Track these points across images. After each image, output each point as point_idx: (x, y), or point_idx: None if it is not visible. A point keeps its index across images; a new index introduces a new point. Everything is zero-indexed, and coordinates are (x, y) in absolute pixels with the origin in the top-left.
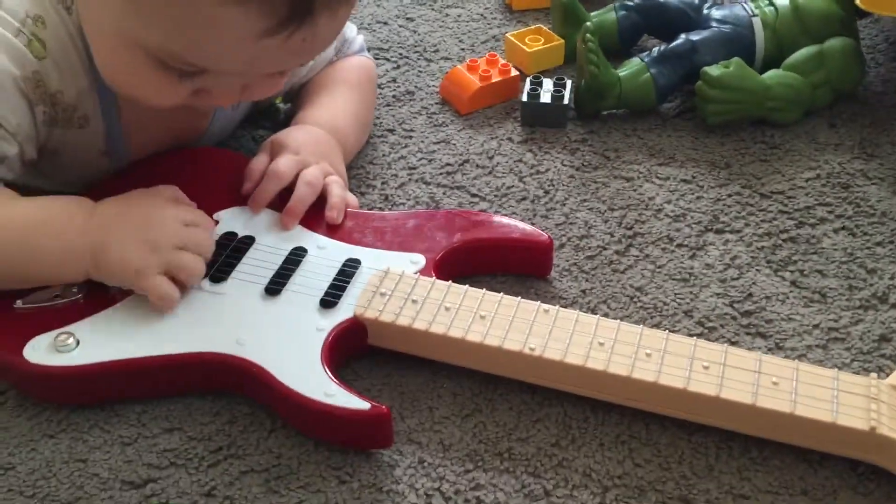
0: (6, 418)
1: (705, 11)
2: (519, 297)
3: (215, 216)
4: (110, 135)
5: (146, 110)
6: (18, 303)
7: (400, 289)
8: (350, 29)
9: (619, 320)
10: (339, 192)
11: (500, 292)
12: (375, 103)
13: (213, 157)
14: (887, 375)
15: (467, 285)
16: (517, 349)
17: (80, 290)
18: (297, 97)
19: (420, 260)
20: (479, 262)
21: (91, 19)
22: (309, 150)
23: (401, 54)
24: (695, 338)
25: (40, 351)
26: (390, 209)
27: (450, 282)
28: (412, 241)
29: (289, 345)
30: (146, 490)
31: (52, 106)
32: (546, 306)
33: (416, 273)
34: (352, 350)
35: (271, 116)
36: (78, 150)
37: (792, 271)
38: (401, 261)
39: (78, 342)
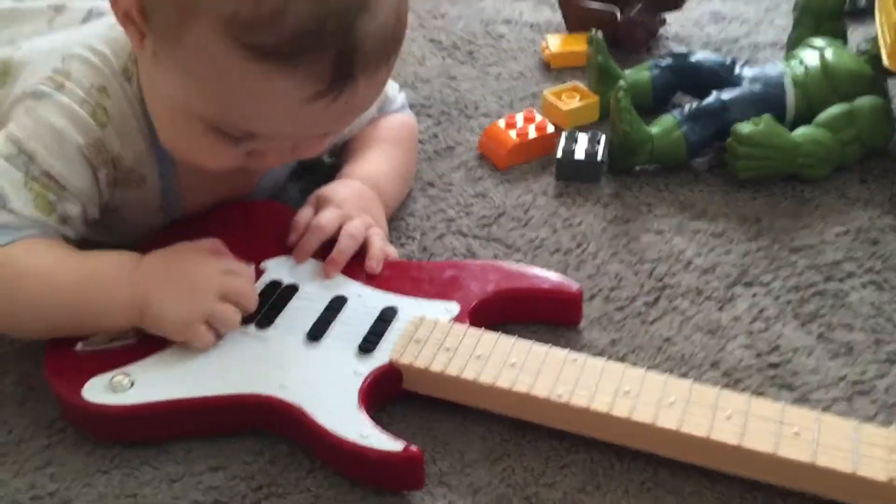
0: (64, 454)
1: (737, 71)
2: (548, 346)
3: (262, 265)
4: (166, 193)
5: (201, 171)
6: (79, 345)
7: (434, 336)
8: (392, 87)
9: (644, 369)
10: (379, 244)
11: (531, 340)
12: (416, 159)
13: (261, 210)
14: None
15: (500, 333)
16: (545, 396)
17: (136, 334)
18: (342, 153)
19: (455, 308)
20: (512, 310)
21: (152, 92)
22: (351, 203)
23: (442, 111)
24: (719, 387)
25: (98, 391)
26: (429, 259)
27: (482, 329)
28: (448, 289)
29: (328, 388)
30: None
31: (113, 169)
32: (574, 354)
33: (450, 321)
34: (388, 394)
35: (317, 170)
36: (136, 207)
37: (819, 325)
38: (436, 309)
39: (133, 383)
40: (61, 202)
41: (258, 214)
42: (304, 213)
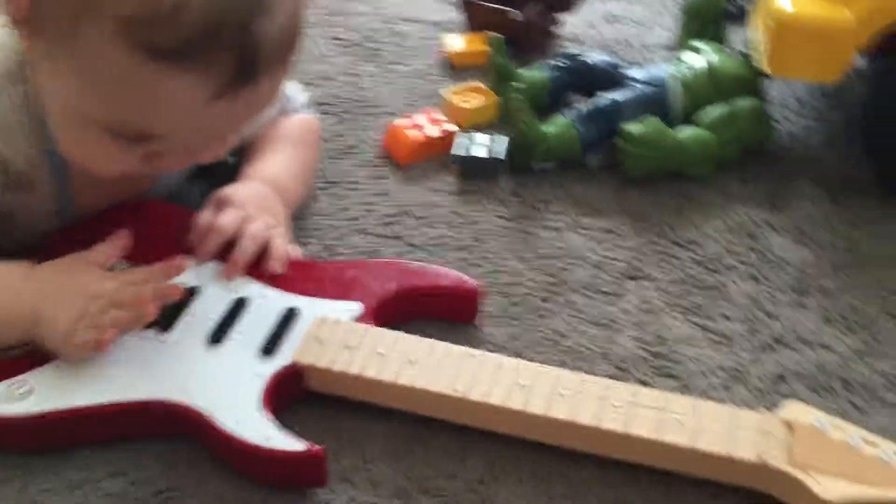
0: None
1: (628, 72)
2: (447, 343)
3: None
4: (60, 197)
5: (96, 173)
6: None
7: (337, 336)
8: (292, 86)
9: (538, 364)
10: (280, 244)
11: (431, 338)
12: (318, 158)
13: (159, 211)
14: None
15: (400, 331)
16: (444, 391)
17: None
18: (243, 154)
19: (356, 308)
20: (413, 308)
21: (47, 95)
22: (252, 204)
23: (345, 109)
24: (607, 379)
25: None
26: (332, 259)
27: (383, 328)
28: (349, 289)
29: (230, 391)
30: None
31: (4, 173)
32: (472, 351)
33: (352, 320)
34: (291, 395)
35: (218, 171)
36: (29, 211)
37: (701, 316)
38: (338, 309)
39: (31, 390)
40: None
41: (156, 217)
42: (205, 215)
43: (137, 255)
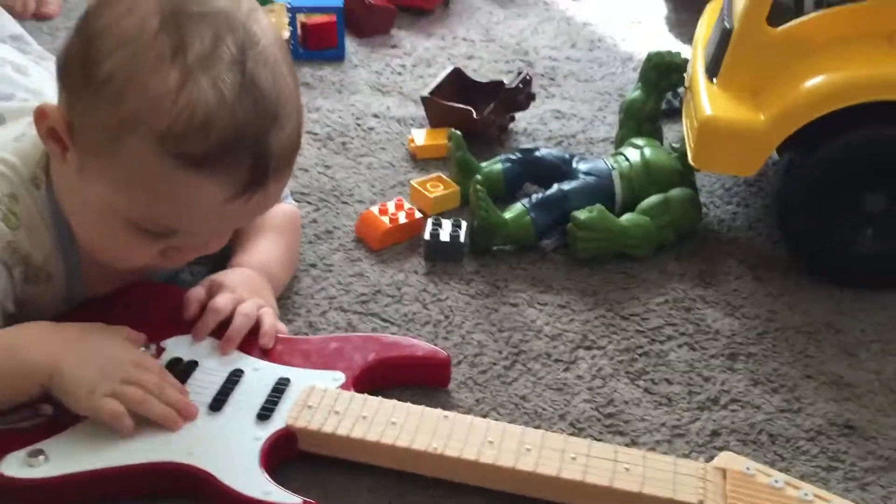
0: None
1: (574, 164)
2: (423, 406)
3: (162, 343)
4: (70, 287)
5: (105, 264)
6: None
7: (325, 402)
8: None
9: (504, 423)
10: (270, 321)
11: (407, 403)
12: (300, 243)
13: (157, 292)
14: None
15: (380, 397)
16: (423, 448)
17: (50, 408)
18: (233, 240)
19: (340, 377)
20: (390, 376)
21: (73, 197)
22: (243, 288)
23: (320, 198)
24: (565, 434)
25: (14, 465)
26: (314, 334)
27: (366, 394)
28: (333, 360)
29: (232, 452)
30: None
31: (25, 266)
32: (446, 413)
33: (337, 388)
34: (285, 454)
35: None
36: (43, 300)
37: (645, 380)
38: (324, 378)
39: (47, 457)
40: None
41: (155, 296)
42: (196, 292)
43: (140, 331)
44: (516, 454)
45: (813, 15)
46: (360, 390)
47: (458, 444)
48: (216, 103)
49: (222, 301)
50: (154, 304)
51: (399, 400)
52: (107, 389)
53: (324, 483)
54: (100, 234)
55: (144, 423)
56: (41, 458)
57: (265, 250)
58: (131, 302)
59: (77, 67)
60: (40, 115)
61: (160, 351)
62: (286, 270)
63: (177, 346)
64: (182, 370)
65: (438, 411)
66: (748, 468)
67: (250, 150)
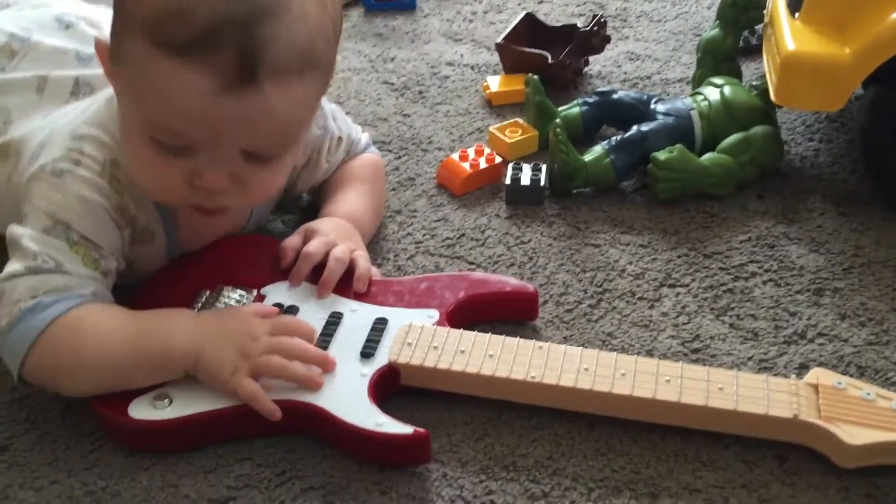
0: (107, 457)
1: (652, 106)
2: (518, 338)
3: (262, 291)
4: (169, 244)
5: (198, 221)
6: None
7: (423, 338)
8: (355, 130)
9: (597, 350)
10: (364, 265)
11: (502, 335)
12: (385, 192)
13: (252, 242)
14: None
15: (475, 331)
16: (521, 378)
17: None
18: (319, 194)
19: (435, 314)
20: (481, 312)
21: (121, 127)
22: (335, 234)
23: (400, 146)
24: (657, 359)
25: (141, 408)
26: (404, 276)
27: (461, 329)
28: (426, 299)
29: (342, 389)
30: None
31: (133, 228)
32: (540, 343)
33: (433, 325)
34: (389, 389)
35: (295, 207)
36: (146, 259)
37: (730, 316)
38: (420, 316)
39: (171, 400)
40: (102, 259)
41: (250, 247)
42: (292, 241)
43: (240, 281)
44: (612, 379)
45: None
46: (453, 326)
47: (554, 372)
48: None
49: (315, 245)
50: (252, 254)
51: (492, 334)
52: (247, 369)
53: (421, 417)
54: (132, 158)
55: None
56: (166, 400)
57: (352, 199)
58: (227, 253)
59: None
60: (97, 52)
61: (260, 298)
62: (373, 219)
63: (276, 293)
64: (286, 313)
65: (533, 342)
66: (839, 382)
67: (233, 40)
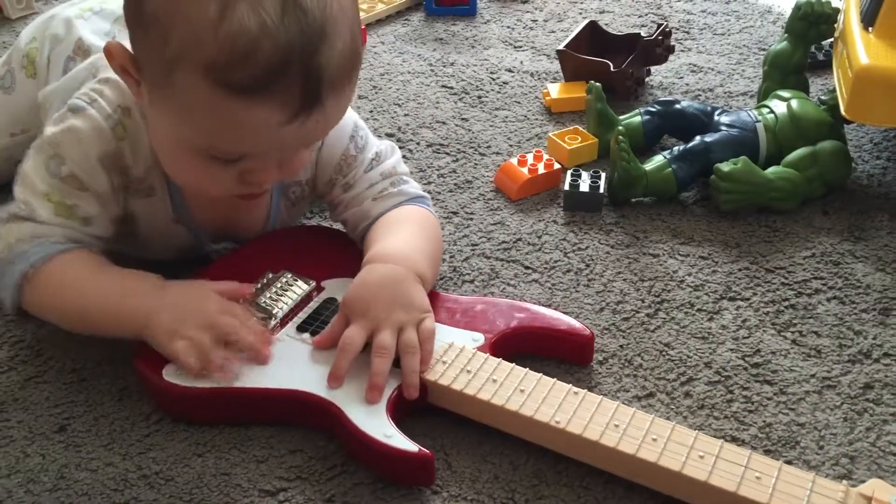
0: (162, 441)
1: (716, 117)
2: (554, 380)
3: (323, 283)
4: (176, 205)
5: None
6: None
7: (459, 359)
8: (411, 182)
9: (634, 409)
10: (412, 366)
11: (541, 373)
12: (441, 247)
13: (323, 234)
14: (859, 482)
15: (514, 364)
16: (545, 420)
17: None
18: (364, 242)
19: (480, 338)
20: (530, 345)
21: (153, 130)
22: (380, 305)
23: (458, 149)
24: (697, 431)
25: (174, 374)
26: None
27: (500, 359)
28: (476, 322)
29: (362, 393)
30: (279, 497)
31: (125, 177)
32: (576, 389)
33: (474, 348)
34: (414, 405)
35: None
36: (150, 216)
37: (792, 332)
38: (464, 337)
39: None
40: (81, 203)
41: (322, 239)
42: (336, 328)
43: (304, 271)
44: (640, 441)
45: None
46: (497, 354)
47: (581, 421)
48: (258, 29)
49: (353, 335)
50: (322, 246)
51: (534, 369)
52: (184, 333)
53: (444, 442)
54: (179, 164)
55: (291, 355)
56: None
57: (401, 239)
58: (294, 243)
59: (130, 5)
60: (108, 53)
61: (319, 290)
62: (430, 264)
63: (334, 288)
64: (333, 311)
65: (569, 386)
66: None
67: (299, 73)
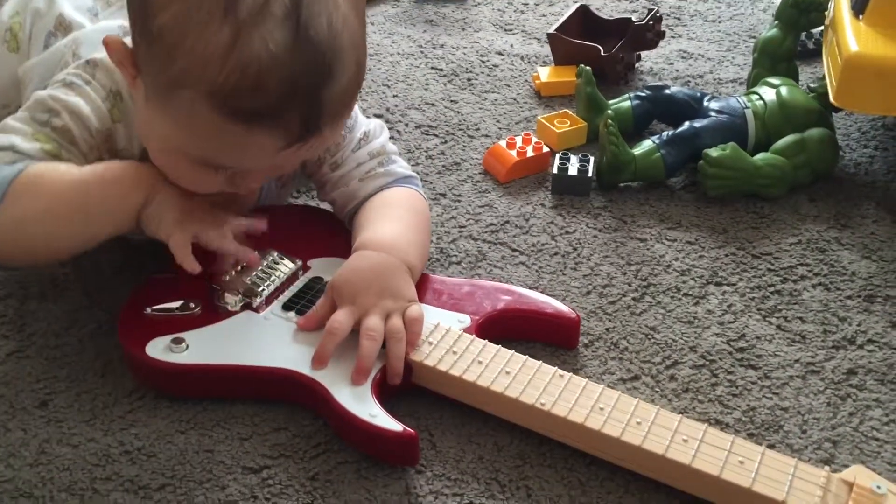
0: (144, 418)
1: (705, 103)
2: (540, 362)
3: (309, 262)
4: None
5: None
6: (148, 309)
7: (445, 340)
8: (401, 163)
9: (619, 392)
10: (397, 353)
11: (527, 355)
12: (430, 235)
13: (309, 213)
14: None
15: (500, 346)
16: (530, 402)
17: (198, 305)
18: (353, 225)
19: (466, 319)
20: (516, 328)
21: (143, 125)
22: (370, 292)
23: (447, 131)
24: (681, 415)
25: (159, 349)
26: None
27: (486, 341)
28: (462, 303)
29: (347, 372)
30: (262, 474)
31: (113, 156)
32: (561, 371)
33: (460, 330)
34: (399, 385)
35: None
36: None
37: (777, 317)
38: (450, 318)
39: (188, 346)
40: (67, 155)
41: (303, 218)
42: (321, 310)
43: (291, 249)
44: (624, 425)
45: None
46: (483, 336)
47: (566, 403)
48: (267, 61)
49: (341, 318)
50: (307, 224)
51: (519, 352)
52: (189, 226)
53: (429, 423)
54: (164, 162)
55: (276, 333)
56: (183, 345)
57: (390, 226)
58: (286, 219)
59: (136, 13)
60: (107, 46)
61: (306, 269)
62: (419, 253)
63: (320, 267)
64: (319, 290)
65: (554, 369)
66: (878, 486)
67: (303, 105)
